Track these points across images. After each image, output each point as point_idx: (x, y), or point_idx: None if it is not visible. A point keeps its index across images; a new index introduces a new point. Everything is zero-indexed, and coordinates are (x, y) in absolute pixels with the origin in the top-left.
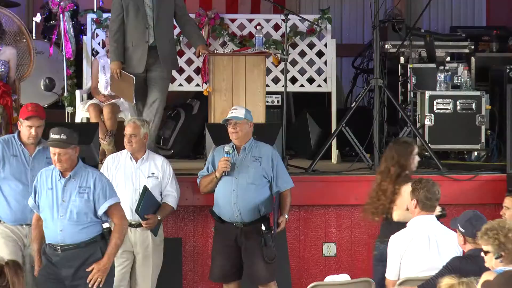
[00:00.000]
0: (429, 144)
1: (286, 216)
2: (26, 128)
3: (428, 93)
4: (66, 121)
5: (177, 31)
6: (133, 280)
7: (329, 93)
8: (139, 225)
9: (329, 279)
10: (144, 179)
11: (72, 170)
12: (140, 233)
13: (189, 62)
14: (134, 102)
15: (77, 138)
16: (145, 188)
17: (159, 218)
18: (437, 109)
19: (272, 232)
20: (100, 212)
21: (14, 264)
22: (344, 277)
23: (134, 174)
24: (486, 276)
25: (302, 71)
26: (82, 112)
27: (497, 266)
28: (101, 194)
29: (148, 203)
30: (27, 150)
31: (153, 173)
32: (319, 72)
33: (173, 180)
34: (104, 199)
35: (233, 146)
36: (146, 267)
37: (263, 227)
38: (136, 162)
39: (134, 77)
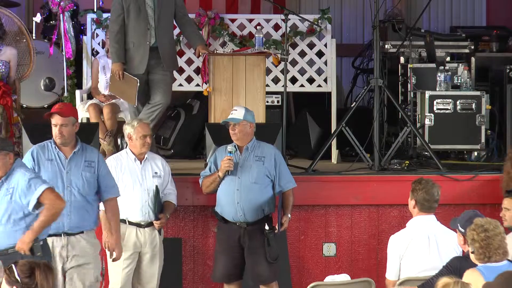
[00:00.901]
0: (429, 144)
1: (289, 215)
2: (53, 127)
3: (428, 93)
4: None
5: (177, 31)
6: (135, 280)
7: (329, 93)
8: (148, 225)
9: (329, 279)
10: (150, 179)
11: (5, 175)
12: (148, 233)
13: (189, 62)
14: (136, 104)
15: (10, 145)
16: (158, 189)
17: (167, 217)
18: (437, 109)
19: (276, 231)
20: (31, 204)
21: (45, 268)
22: (344, 277)
23: (141, 175)
24: (466, 274)
25: (302, 71)
26: (82, 112)
27: (475, 262)
28: (27, 189)
29: (158, 203)
30: (63, 153)
31: (156, 173)
32: (319, 72)
33: (172, 178)
34: (32, 193)
35: (235, 145)
36: (153, 266)
37: (266, 227)
38: (141, 163)
39: (138, 80)
